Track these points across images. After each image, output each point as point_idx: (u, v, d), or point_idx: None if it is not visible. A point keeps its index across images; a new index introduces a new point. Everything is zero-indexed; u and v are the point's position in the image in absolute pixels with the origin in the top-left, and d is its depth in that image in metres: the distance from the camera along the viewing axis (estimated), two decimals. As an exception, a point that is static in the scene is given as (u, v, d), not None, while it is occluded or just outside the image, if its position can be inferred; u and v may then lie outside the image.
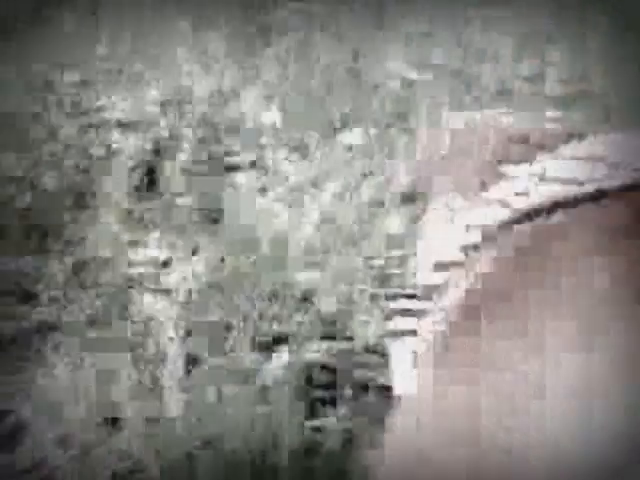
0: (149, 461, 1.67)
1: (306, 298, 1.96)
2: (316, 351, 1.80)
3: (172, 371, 1.79)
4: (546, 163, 0.60)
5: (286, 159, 2.33)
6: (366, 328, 1.82)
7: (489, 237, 0.59)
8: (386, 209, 2.17)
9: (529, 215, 0.57)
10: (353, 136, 2.35)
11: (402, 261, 1.98)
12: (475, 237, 0.60)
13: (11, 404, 1.93)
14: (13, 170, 2.40)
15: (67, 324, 2.07)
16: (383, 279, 1.92)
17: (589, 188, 0.56)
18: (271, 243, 2.09)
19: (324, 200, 2.15)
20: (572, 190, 0.57)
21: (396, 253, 2.08)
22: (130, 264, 2.18)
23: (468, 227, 0.61)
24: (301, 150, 2.40)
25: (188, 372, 1.82)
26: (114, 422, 1.87)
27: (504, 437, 0.45)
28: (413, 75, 2.51)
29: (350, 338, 1.84)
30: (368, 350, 1.76)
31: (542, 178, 0.58)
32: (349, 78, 2.59)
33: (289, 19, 2.82)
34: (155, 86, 2.61)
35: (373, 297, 1.87)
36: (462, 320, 0.56)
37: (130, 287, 2.12)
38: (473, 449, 0.47)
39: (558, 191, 0.57)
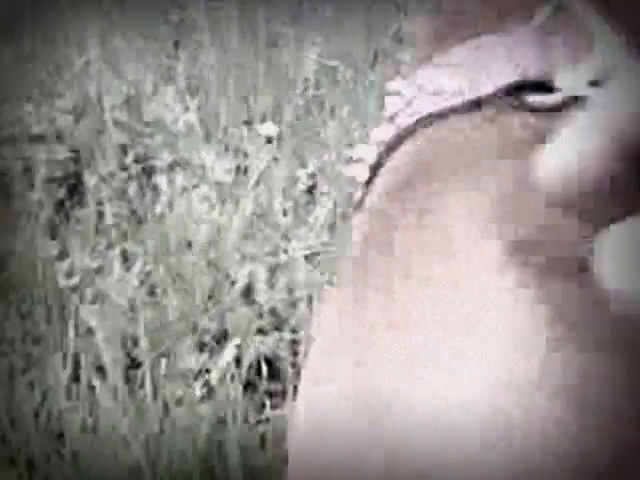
0: (93, 468, 1.60)
1: (246, 292, 1.90)
2: (261, 344, 1.75)
3: (111, 380, 1.72)
4: (426, 72, 0.53)
5: (208, 156, 2.27)
6: (309, 319, 1.77)
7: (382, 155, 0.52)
8: (313, 198, 2.13)
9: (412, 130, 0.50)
10: (272, 127, 2.30)
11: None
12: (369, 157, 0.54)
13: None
14: None
15: (4, 340, 1.99)
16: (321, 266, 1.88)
17: (466, 98, 0.49)
18: (203, 241, 2.03)
19: (251, 193, 2.10)
20: (451, 101, 0.49)
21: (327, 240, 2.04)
22: (62, 276, 2.10)
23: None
24: (222, 146, 2.35)
25: (127, 379, 1.75)
26: (59, 437, 1.80)
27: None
28: (332, 62, 2.48)
29: (294, 330, 1.79)
30: (311, 340, 1.71)
31: (421, 89, 0.51)
32: (267, 70, 2.54)
33: (202, 17, 2.77)
34: (65, 95, 2.53)
35: (312, 285, 1.83)
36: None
37: (65, 299, 2.04)
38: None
39: (437, 102, 0.50)
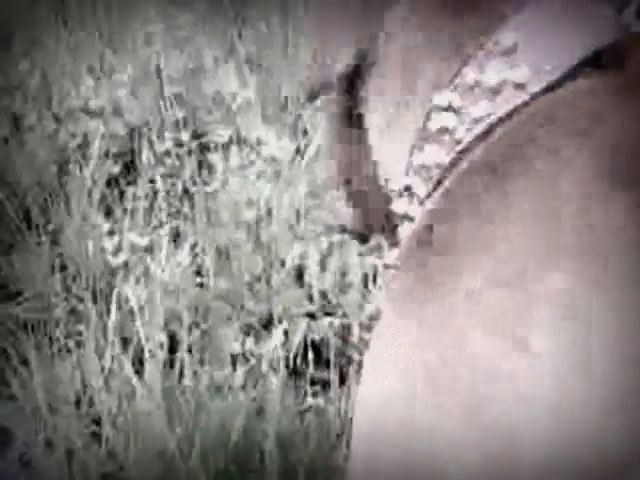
0: (130, 459, 1.50)
1: (298, 275, 1.77)
2: (309, 330, 1.62)
3: (152, 363, 1.61)
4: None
5: (265, 132, 2.14)
6: (362, 304, 1.64)
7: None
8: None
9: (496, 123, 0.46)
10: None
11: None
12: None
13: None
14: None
15: (50, 320, 1.90)
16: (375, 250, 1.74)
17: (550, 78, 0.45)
18: (256, 220, 1.91)
19: (308, 170, 1.97)
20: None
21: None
22: (111, 253, 2.01)
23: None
24: (280, 123, 2.22)
25: (169, 362, 1.64)
26: (97, 421, 1.70)
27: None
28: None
29: (345, 315, 1.65)
30: (363, 326, 1.58)
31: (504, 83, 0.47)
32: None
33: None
34: (125, 70, 2.44)
35: (366, 268, 1.69)
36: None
37: (112, 276, 1.95)
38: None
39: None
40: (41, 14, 2.73)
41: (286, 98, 2.33)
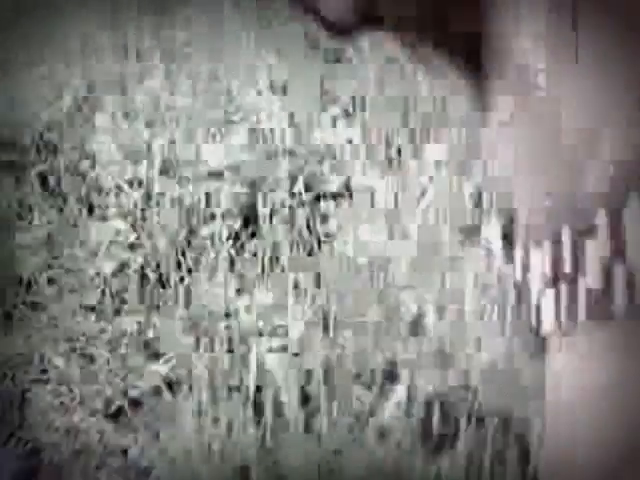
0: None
1: (416, 323, 1.84)
2: (433, 383, 1.68)
3: (288, 416, 1.70)
4: None
5: (374, 176, 2.21)
6: (478, 352, 1.69)
7: None
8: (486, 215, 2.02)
9: None
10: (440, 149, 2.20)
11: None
12: None
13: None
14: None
15: (190, 379, 2.02)
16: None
17: None
18: (371, 268, 1.98)
19: (422, 215, 2.02)
20: None
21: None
22: (243, 310, 2.11)
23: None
24: (387, 163, 2.28)
25: (304, 421, 1.73)
26: (246, 471, 1.81)
27: None
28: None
29: (461, 363, 1.70)
30: (482, 375, 1.62)
31: None
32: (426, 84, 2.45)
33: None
34: (239, 131, 2.54)
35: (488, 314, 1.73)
36: None
37: (245, 334, 2.05)
38: None
39: None
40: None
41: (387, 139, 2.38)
